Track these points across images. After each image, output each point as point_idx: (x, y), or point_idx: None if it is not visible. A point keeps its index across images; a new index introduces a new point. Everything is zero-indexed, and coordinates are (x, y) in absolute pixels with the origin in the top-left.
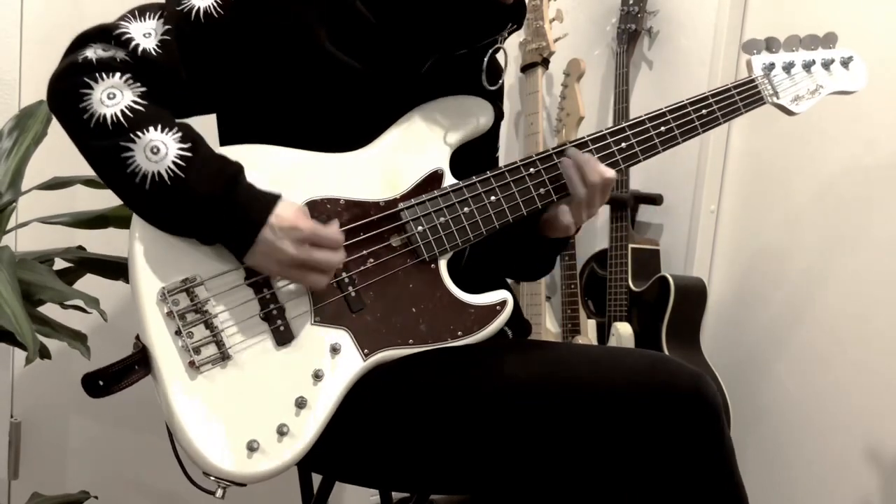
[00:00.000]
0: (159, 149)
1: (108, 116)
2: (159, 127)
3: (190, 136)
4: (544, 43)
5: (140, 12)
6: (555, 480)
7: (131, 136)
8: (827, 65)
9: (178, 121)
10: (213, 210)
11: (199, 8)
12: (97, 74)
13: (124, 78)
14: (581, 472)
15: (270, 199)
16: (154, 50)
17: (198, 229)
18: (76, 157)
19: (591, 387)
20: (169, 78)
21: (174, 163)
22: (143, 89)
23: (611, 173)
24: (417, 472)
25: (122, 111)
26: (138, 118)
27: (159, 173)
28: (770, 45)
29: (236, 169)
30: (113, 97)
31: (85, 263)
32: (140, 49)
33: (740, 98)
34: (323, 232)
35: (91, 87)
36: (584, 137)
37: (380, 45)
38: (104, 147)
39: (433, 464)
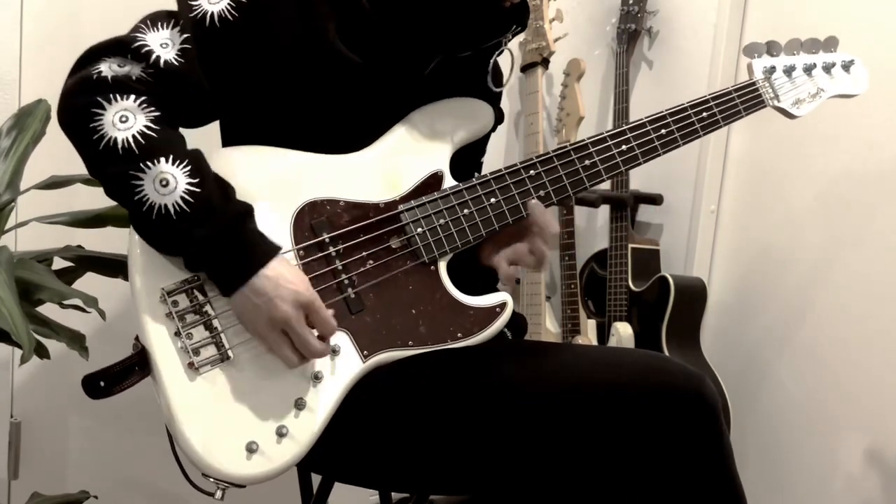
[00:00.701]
0: (168, 182)
1: (120, 141)
2: (170, 158)
3: (199, 171)
4: (544, 43)
5: (152, 22)
6: (554, 481)
7: (141, 165)
8: (828, 68)
9: (188, 150)
10: (212, 247)
11: (212, 13)
12: (111, 95)
13: (139, 101)
14: (581, 472)
15: (273, 248)
16: (175, 60)
17: (191, 259)
18: (75, 156)
19: (591, 387)
20: (191, 88)
21: (182, 198)
22: (156, 114)
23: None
24: (417, 472)
25: (133, 136)
26: (149, 145)
27: (166, 206)
28: (771, 48)
29: (243, 210)
30: (125, 120)
31: (83, 261)
32: (162, 61)
33: (741, 101)
34: (323, 309)
35: (104, 108)
36: (584, 140)
37: (384, 45)
38: (114, 172)
39: (433, 464)
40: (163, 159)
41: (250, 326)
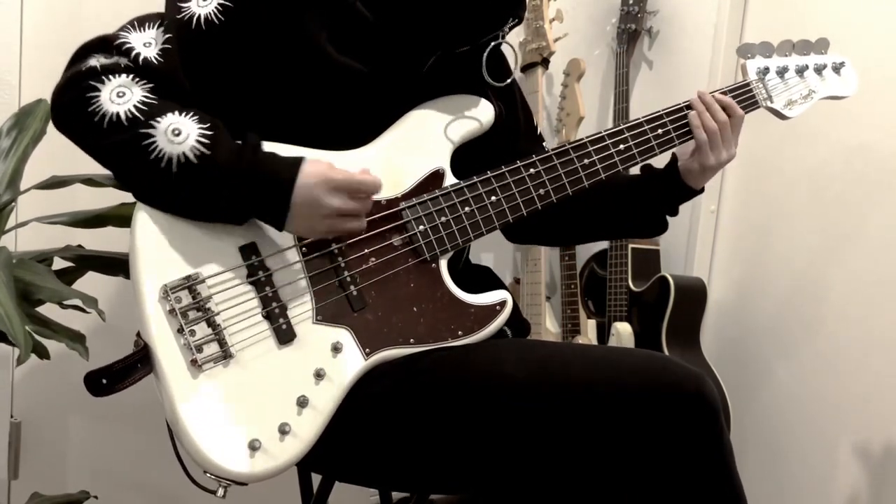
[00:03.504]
0: (181, 130)
1: (122, 113)
2: (176, 112)
3: (206, 117)
4: (544, 43)
5: (140, 22)
6: (555, 480)
7: (151, 122)
8: (819, 70)
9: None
10: (243, 180)
11: (199, 15)
12: (103, 77)
13: (131, 77)
14: (581, 472)
15: (296, 159)
16: (155, 58)
17: (230, 205)
18: (75, 156)
19: (591, 387)
20: (171, 85)
21: (198, 141)
22: (150, 86)
23: (738, 113)
24: (417, 472)
25: (134, 106)
26: (152, 109)
27: (184, 154)
28: (764, 49)
29: (255, 140)
30: (122, 95)
31: (83, 261)
32: (141, 58)
33: (736, 101)
34: (354, 180)
35: (98, 90)
36: (583, 139)
37: (381, 45)
38: (122, 141)
39: (433, 464)
40: (169, 113)
41: (312, 232)
